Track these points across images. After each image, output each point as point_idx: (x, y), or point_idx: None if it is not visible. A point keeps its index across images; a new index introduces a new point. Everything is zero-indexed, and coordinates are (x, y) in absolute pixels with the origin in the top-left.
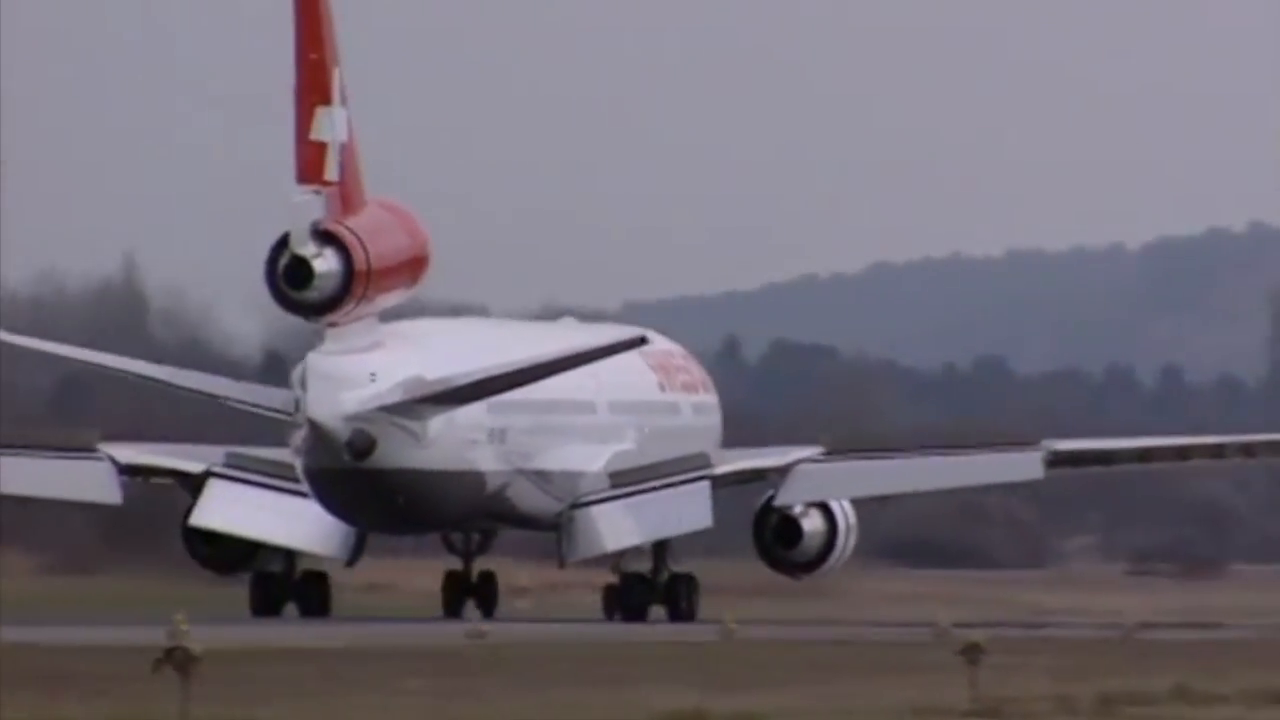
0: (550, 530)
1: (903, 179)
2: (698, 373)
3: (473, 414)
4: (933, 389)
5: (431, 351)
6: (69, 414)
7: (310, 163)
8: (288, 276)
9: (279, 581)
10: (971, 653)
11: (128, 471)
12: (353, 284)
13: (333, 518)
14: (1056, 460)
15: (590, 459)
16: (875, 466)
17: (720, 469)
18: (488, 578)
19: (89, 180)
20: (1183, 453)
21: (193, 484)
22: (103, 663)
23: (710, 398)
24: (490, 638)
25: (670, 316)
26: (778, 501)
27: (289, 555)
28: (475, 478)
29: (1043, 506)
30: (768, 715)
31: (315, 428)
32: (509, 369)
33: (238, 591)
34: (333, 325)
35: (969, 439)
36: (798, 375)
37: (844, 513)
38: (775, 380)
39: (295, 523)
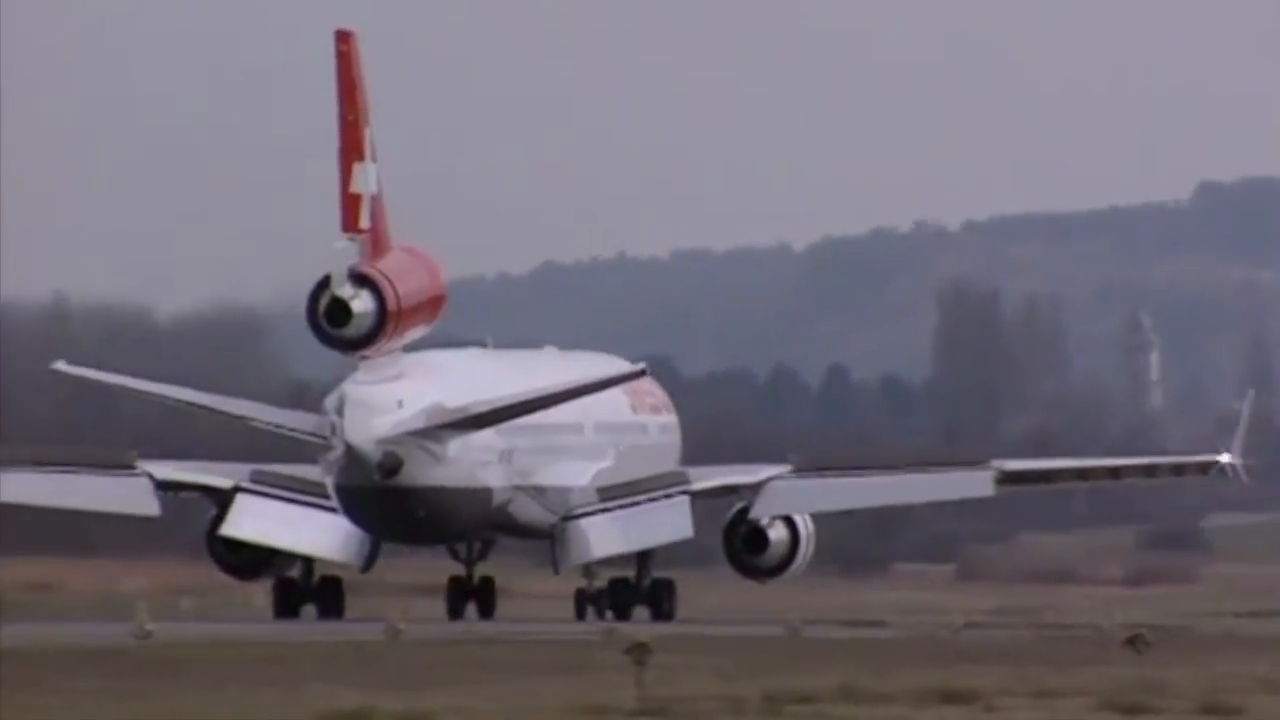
0: (545, 539)
1: (569, 179)
2: (660, 395)
3: (485, 437)
4: None
5: (449, 381)
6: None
7: (350, 212)
8: (328, 316)
9: (299, 586)
10: (638, 652)
11: (164, 486)
12: (385, 322)
13: (348, 528)
14: (1005, 479)
15: (579, 475)
16: (839, 484)
17: (698, 485)
18: (487, 581)
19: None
20: (1116, 472)
21: (222, 498)
22: None
23: (671, 418)
24: (157, 638)
25: None
26: (753, 515)
27: (307, 562)
28: (485, 493)
29: None
30: (436, 714)
31: (350, 450)
32: (524, 398)
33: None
34: (364, 358)
35: (924, 457)
36: None
37: (804, 523)
38: None
39: (315, 533)
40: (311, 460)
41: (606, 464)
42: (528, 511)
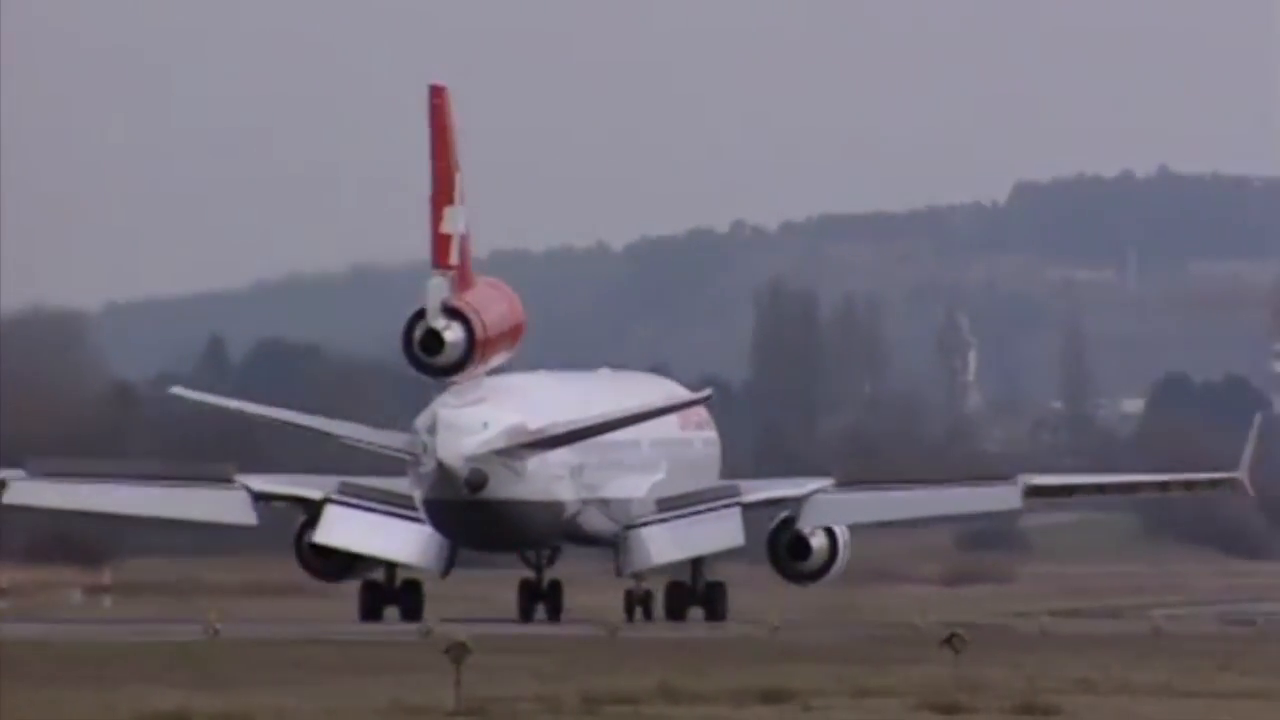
0: (609, 547)
1: (386, 180)
2: (703, 412)
3: (558, 454)
4: (420, 389)
5: (526, 403)
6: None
7: (441, 251)
8: (423, 345)
9: (382, 589)
10: (456, 652)
11: (259, 497)
12: (474, 350)
13: (428, 536)
14: (1031, 492)
15: (638, 488)
16: (878, 497)
17: (748, 497)
18: (555, 585)
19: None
20: (1132, 487)
21: (311, 508)
22: None
23: (712, 433)
24: None
25: (152, 316)
26: (799, 525)
27: (390, 567)
28: (558, 506)
29: None
30: (254, 715)
31: (441, 466)
32: (598, 421)
33: None
34: (454, 383)
35: (956, 473)
36: (285, 375)
37: (842, 531)
38: (261, 380)
39: (398, 540)
40: (389, 473)
41: (660, 477)
42: (594, 522)
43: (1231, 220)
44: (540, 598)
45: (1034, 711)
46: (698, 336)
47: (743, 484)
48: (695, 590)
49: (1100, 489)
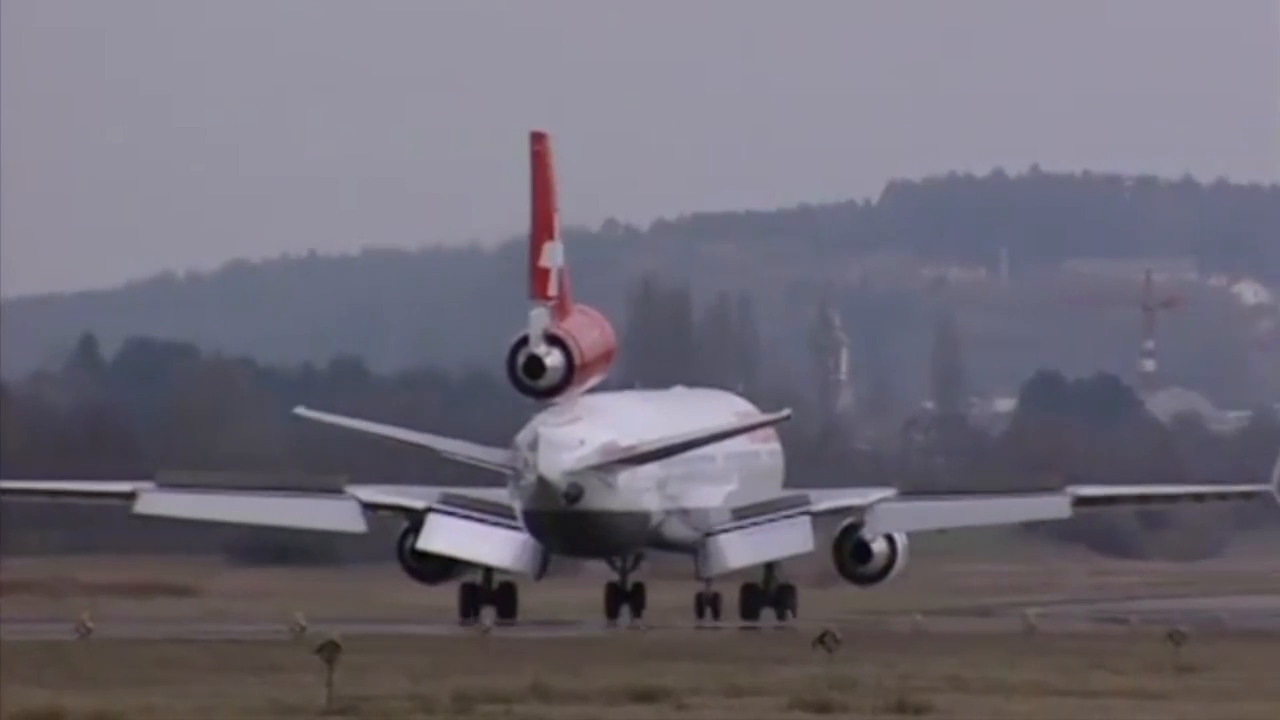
0: (689, 553)
1: (260, 177)
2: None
3: (646, 468)
4: (291, 388)
5: (617, 422)
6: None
7: (540, 283)
8: (525, 370)
9: (480, 591)
10: (329, 651)
11: (368, 507)
12: (572, 374)
13: (523, 542)
14: (1079, 502)
15: (715, 498)
16: (936, 506)
17: (817, 506)
18: (638, 587)
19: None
20: (1171, 498)
21: (415, 517)
22: None
23: (776, 445)
24: None
25: (25, 314)
26: (863, 533)
27: (487, 571)
28: (645, 516)
29: None
30: (126, 714)
31: (542, 480)
32: (686, 438)
33: None
34: (553, 404)
35: (1009, 484)
36: (156, 374)
37: (901, 536)
38: (132, 379)
39: (495, 546)
40: (487, 485)
41: (734, 487)
42: (677, 530)
43: (1103, 219)
44: (625, 599)
45: (906, 710)
46: None
47: (811, 493)
48: (767, 592)
49: (1143, 499)
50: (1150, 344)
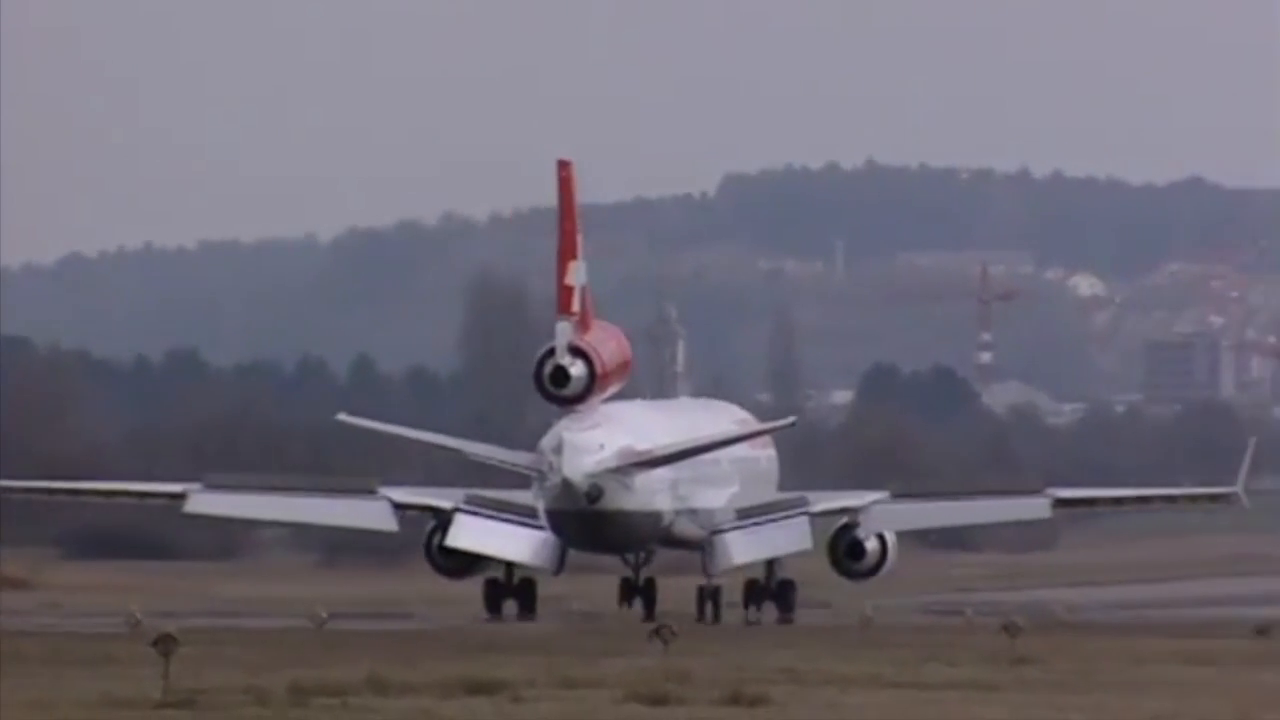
0: (697, 550)
1: (94, 170)
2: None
3: (659, 471)
4: (126, 381)
5: (633, 428)
6: None
7: (565, 299)
8: (551, 379)
9: (502, 586)
10: (165, 644)
11: (399, 507)
12: (594, 383)
13: (542, 539)
14: (1058, 504)
15: (720, 499)
16: (926, 507)
17: (815, 507)
18: (650, 581)
19: None
20: (1145, 500)
21: (442, 516)
22: None
23: (771, 451)
24: None
25: None
26: (858, 533)
27: (509, 567)
28: (659, 515)
29: None
30: None
31: (566, 482)
32: (696, 443)
33: None
34: (575, 411)
35: (992, 487)
36: None
37: (891, 536)
38: None
39: (517, 543)
40: (508, 486)
41: (736, 489)
42: (686, 529)
43: (938, 212)
44: (637, 593)
45: (742, 702)
46: (406, 328)
47: (810, 495)
48: (769, 587)
49: (1117, 501)
50: (986, 337)
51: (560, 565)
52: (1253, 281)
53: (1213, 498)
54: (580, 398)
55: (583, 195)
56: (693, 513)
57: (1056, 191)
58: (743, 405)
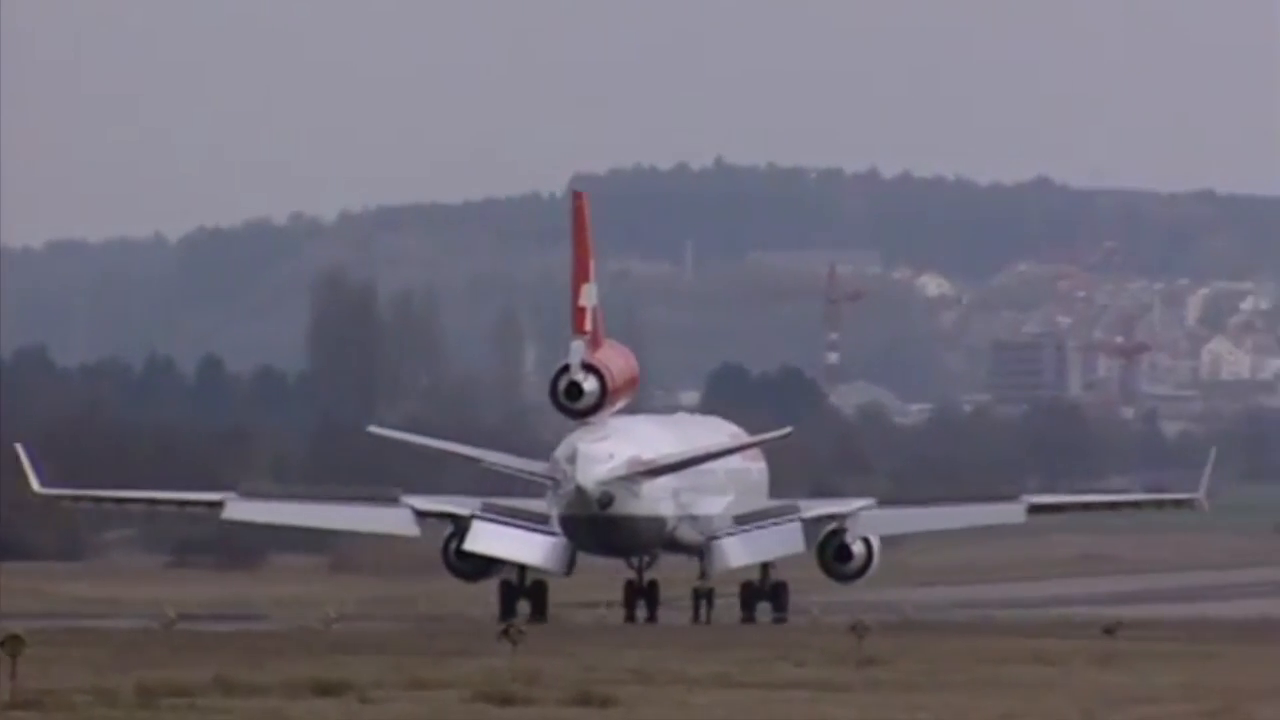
0: (695, 554)
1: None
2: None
3: (664, 480)
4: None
5: (639, 440)
6: None
7: (579, 319)
8: (566, 393)
9: (515, 587)
10: (11, 645)
11: (420, 514)
12: (606, 398)
13: (554, 543)
14: (1033, 509)
15: (717, 506)
16: (909, 513)
17: (806, 513)
18: (653, 583)
19: None
20: (1113, 506)
21: (461, 523)
22: None
23: (762, 464)
24: None
25: None
26: (846, 538)
27: (521, 570)
28: (663, 521)
29: None
30: None
31: (579, 489)
32: (698, 453)
33: None
34: (587, 424)
35: (970, 493)
36: None
37: (875, 540)
38: None
39: (530, 548)
40: (520, 494)
41: (731, 498)
42: (687, 534)
43: (786, 211)
44: (641, 594)
45: (590, 702)
46: (254, 328)
47: (801, 502)
48: (763, 589)
49: (1086, 507)
50: (834, 337)
51: (570, 568)
52: (1099, 282)
53: (1177, 503)
54: (591, 411)
55: (431, 195)
56: (693, 519)
57: (904, 191)
58: None
